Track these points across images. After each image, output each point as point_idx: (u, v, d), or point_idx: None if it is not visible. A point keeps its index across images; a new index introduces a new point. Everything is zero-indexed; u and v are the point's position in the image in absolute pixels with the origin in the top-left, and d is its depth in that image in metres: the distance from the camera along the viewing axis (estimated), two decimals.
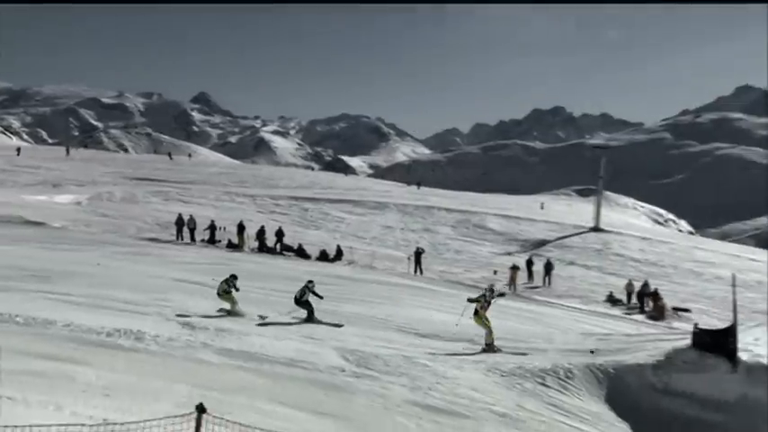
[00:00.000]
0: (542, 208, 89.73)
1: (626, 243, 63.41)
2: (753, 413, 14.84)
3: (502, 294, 23.40)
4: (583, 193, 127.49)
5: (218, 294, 21.81)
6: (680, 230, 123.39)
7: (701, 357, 15.86)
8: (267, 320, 20.75)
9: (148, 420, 7.98)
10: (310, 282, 22.47)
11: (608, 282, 46.84)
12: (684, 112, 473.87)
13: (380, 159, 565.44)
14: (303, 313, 21.50)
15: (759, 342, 16.73)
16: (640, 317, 38.44)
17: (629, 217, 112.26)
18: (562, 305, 37.86)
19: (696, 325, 17.25)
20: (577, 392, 15.61)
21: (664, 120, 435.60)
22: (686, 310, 40.12)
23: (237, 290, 21.94)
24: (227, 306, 21.48)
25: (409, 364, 15.59)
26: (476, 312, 19.58)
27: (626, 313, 38.83)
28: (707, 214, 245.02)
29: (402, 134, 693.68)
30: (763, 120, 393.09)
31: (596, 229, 67.83)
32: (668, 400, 15.51)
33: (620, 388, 15.97)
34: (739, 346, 15.70)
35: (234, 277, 22.22)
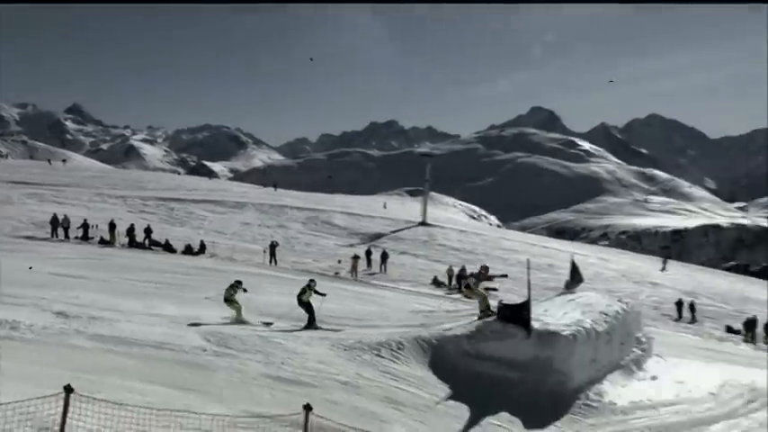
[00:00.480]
0: (385, 207, 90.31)
1: (447, 235, 64.56)
2: (542, 370, 15.44)
3: (504, 275, 23.57)
4: (412, 194, 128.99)
5: (225, 300, 19.76)
6: (490, 224, 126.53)
7: (504, 327, 16.28)
8: (273, 328, 18.77)
9: (19, 401, 7.63)
10: (312, 281, 20.68)
11: (433, 267, 47.56)
12: (492, 127, 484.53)
13: (240, 165, 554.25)
14: (303, 318, 19.57)
15: (547, 313, 17.35)
16: (459, 296, 39.23)
17: (450, 213, 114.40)
18: (396, 288, 38.25)
19: (500, 301, 17.70)
20: (407, 361, 15.77)
21: (476, 133, 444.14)
22: (495, 290, 41.13)
23: (245, 290, 20.17)
24: (232, 312, 19.47)
25: (264, 343, 15.40)
26: (467, 287, 20.18)
27: (447, 293, 39.51)
28: (511, 210, 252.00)
29: (258, 142, 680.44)
30: (551, 135, 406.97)
31: (423, 223, 68.77)
32: (479, 363, 15.86)
33: (441, 355, 16.24)
34: (532, 316, 16.23)
35: (239, 283, 20.31)
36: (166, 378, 11.73)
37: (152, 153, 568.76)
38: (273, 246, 43.91)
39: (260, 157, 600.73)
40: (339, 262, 45.20)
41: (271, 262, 42.55)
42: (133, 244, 43.21)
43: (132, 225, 45.18)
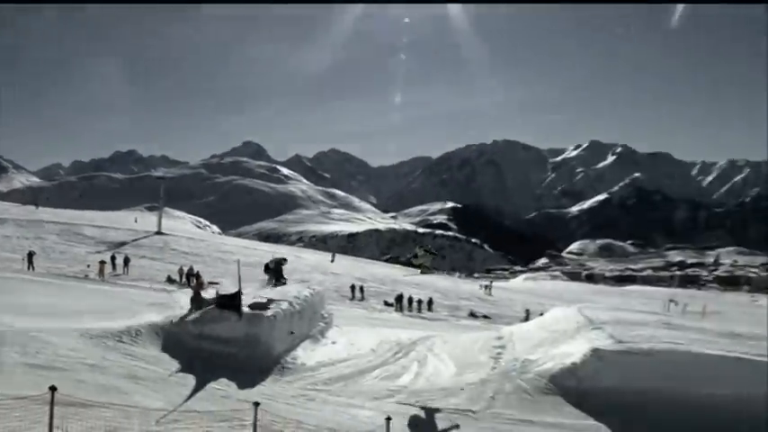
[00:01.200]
0: (136, 221, 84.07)
1: (179, 241, 62.36)
2: (251, 344, 15.58)
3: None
4: (150, 209, 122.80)
5: None
6: (213, 232, 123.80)
7: (221, 313, 16.16)
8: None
9: None
10: (284, 259, 22.38)
11: (168, 268, 45.70)
12: (214, 156, 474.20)
13: (2, 186, 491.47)
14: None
15: (257, 298, 17.43)
16: (189, 290, 38.08)
17: (181, 224, 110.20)
18: (136, 286, 36.21)
19: (217, 292, 17.48)
20: (144, 344, 15.09)
21: (202, 160, 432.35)
22: (217, 283, 40.39)
23: None
24: None
25: (24, 337, 13.82)
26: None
27: (179, 288, 38.22)
28: (229, 221, 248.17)
29: (18, 167, 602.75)
30: (258, 162, 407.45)
31: (159, 233, 65.82)
32: (203, 342, 15.60)
33: (172, 338, 15.75)
34: (243, 303, 16.28)
35: None
36: None
37: None
38: (31, 254, 39.62)
39: (20, 180, 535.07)
40: (88, 266, 41.85)
41: (29, 268, 38.35)
42: None
43: None
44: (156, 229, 66.90)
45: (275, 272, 21.13)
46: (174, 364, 14.24)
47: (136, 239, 59.95)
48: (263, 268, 22.51)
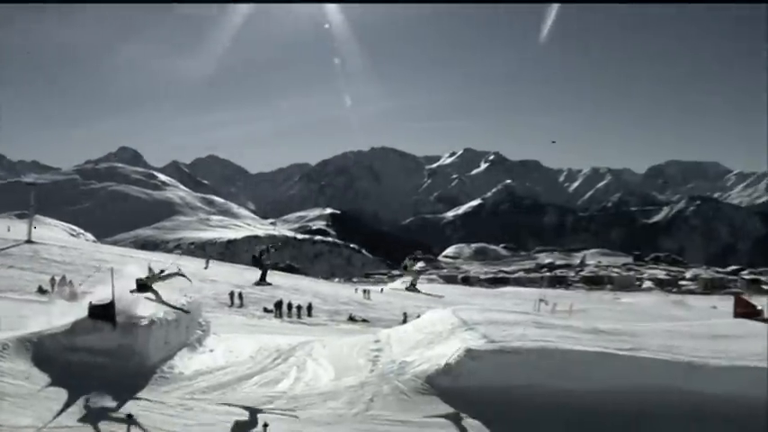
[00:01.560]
0: (9, 230, 76.57)
1: (50, 250, 58.44)
2: (126, 354, 15.06)
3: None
4: (21, 217, 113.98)
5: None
6: (87, 240, 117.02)
7: (94, 323, 15.39)
8: None
9: None
10: (272, 246, 18.55)
11: (38, 278, 42.75)
12: (88, 162, 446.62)
13: None
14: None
15: (129, 308, 16.57)
16: (62, 300, 35.78)
17: (53, 232, 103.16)
18: (6, 297, 33.74)
19: (90, 302, 16.50)
20: (11, 358, 14.16)
21: (76, 166, 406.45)
22: (87, 294, 38.19)
23: None
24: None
25: None
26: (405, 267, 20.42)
27: (51, 298, 35.79)
28: (104, 229, 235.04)
29: None
30: (135, 168, 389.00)
31: (29, 241, 61.37)
32: (75, 354, 14.85)
33: (42, 351, 14.85)
34: (117, 313, 15.53)
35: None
36: None
37: None
38: None
39: None
40: None
41: None
42: None
43: None
44: (26, 238, 62.29)
45: (260, 263, 19.53)
46: (44, 378, 13.48)
47: (3, 249, 55.68)
48: (251, 260, 21.51)
